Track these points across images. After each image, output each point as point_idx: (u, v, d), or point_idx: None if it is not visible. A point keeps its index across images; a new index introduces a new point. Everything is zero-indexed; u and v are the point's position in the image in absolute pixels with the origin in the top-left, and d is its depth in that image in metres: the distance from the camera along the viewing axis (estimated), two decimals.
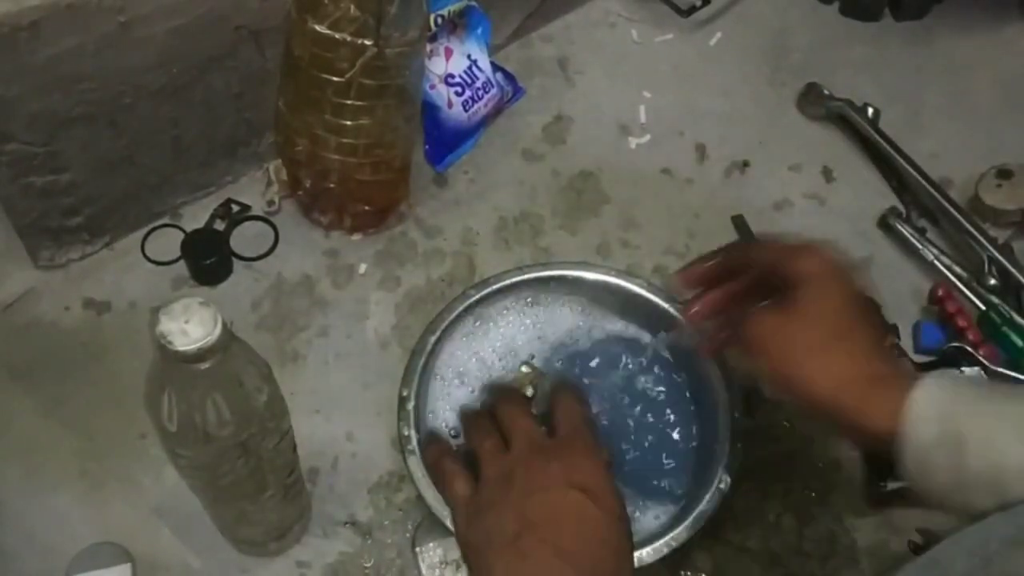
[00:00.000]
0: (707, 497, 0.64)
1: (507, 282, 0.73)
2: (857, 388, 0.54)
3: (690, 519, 0.64)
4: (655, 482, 0.68)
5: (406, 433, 0.66)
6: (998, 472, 0.46)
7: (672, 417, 0.70)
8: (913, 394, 0.51)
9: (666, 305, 0.73)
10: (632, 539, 0.56)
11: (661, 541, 0.63)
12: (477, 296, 0.72)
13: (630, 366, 0.71)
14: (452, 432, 0.70)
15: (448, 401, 0.71)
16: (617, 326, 0.75)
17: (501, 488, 0.56)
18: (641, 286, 0.74)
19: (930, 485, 0.50)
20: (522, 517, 0.53)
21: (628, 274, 0.75)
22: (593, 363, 0.72)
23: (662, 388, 0.71)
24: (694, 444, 0.70)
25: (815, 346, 0.55)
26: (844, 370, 0.54)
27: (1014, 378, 0.77)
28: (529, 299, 0.75)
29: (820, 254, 0.58)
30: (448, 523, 0.62)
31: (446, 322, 0.71)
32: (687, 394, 0.72)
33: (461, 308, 0.72)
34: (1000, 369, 0.77)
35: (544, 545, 0.52)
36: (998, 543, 0.38)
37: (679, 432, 0.70)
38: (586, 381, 0.71)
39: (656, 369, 0.72)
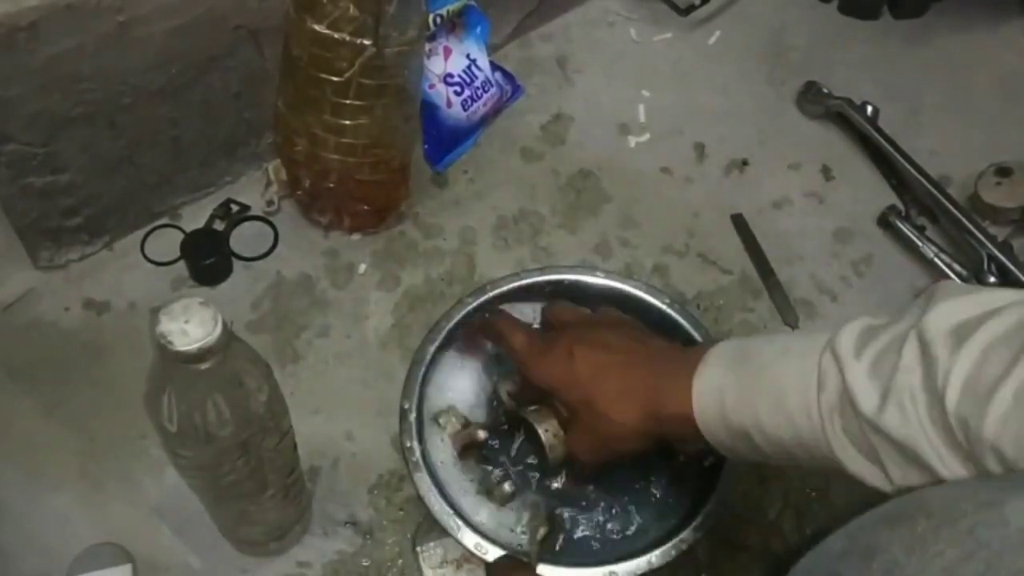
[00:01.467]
0: (712, 499, 0.65)
1: (504, 288, 0.73)
2: (648, 395, 0.58)
3: (696, 521, 0.64)
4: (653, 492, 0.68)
5: (408, 445, 0.66)
6: (786, 447, 0.53)
7: None
8: (694, 396, 0.56)
9: (666, 307, 0.73)
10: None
11: (669, 544, 0.63)
12: (475, 303, 0.72)
13: None
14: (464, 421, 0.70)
15: (449, 411, 0.71)
16: None
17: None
18: (640, 289, 0.74)
19: (747, 460, 0.57)
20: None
21: (626, 277, 0.75)
22: None
23: None
24: None
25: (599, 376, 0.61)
26: (628, 384, 0.60)
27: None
28: (528, 304, 0.75)
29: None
30: (448, 524, 0.62)
31: (444, 331, 0.71)
32: None
33: (460, 315, 0.72)
34: None
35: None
36: (870, 522, 0.42)
37: None
38: None
39: None
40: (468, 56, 0.91)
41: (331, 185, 0.82)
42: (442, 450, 0.69)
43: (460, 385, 0.72)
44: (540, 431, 0.63)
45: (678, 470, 0.68)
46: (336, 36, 0.71)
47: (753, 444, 0.54)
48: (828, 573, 0.42)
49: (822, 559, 0.43)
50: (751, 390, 0.53)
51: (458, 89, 0.90)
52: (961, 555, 0.36)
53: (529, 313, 0.75)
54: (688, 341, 0.71)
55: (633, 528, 0.67)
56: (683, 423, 0.57)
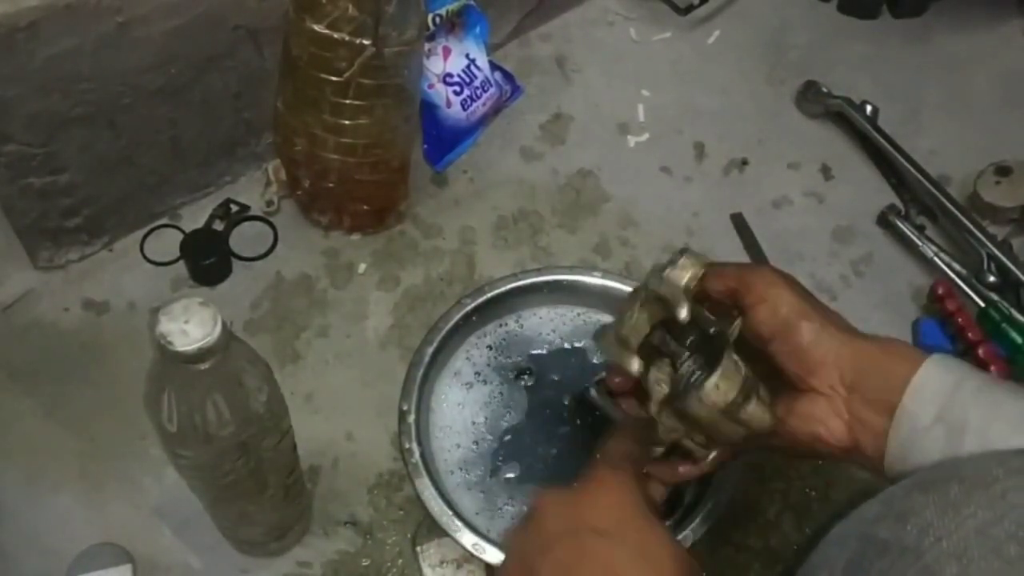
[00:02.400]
0: (711, 499, 0.65)
1: (502, 289, 0.73)
2: (865, 348, 0.52)
3: (696, 521, 0.64)
4: None
5: (408, 446, 0.66)
6: None
7: None
8: (922, 368, 0.50)
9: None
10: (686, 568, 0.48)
11: None
12: (473, 304, 0.72)
13: None
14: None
15: (449, 412, 0.71)
16: None
17: (514, 546, 0.50)
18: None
19: (913, 461, 0.50)
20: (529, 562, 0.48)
21: (625, 277, 0.75)
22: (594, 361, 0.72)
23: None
24: None
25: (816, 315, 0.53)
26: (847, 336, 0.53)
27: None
28: (526, 304, 0.75)
29: (769, 268, 0.56)
30: (447, 524, 0.62)
31: (443, 332, 0.71)
32: None
33: (458, 316, 0.72)
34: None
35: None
36: (902, 489, 0.43)
37: None
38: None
39: None
40: (467, 56, 0.91)
41: (331, 185, 0.82)
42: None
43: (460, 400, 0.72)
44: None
45: None
46: (335, 36, 0.71)
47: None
48: (862, 535, 0.43)
49: (856, 524, 0.44)
50: (994, 395, 0.49)
51: (457, 89, 0.90)
52: (993, 517, 0.38)
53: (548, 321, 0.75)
54: None
55: None
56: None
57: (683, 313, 0.52)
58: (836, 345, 0.52)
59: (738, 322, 0.54)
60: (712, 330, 0.54)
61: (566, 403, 0.71)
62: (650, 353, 0.56)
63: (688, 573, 0.47)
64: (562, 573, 0.46)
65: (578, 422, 0.70)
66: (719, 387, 0.51)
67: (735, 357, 0.52)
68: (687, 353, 0.56)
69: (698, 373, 0.55)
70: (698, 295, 0.54)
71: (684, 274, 0.54)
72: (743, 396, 0.52)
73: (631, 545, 0.47)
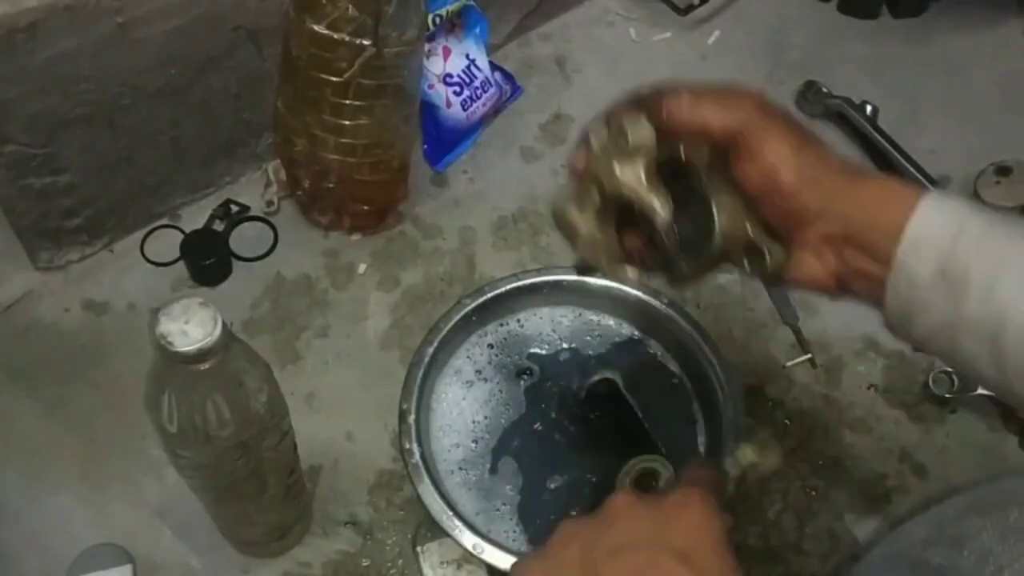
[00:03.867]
0: None
1: (502, 289, 0.73)
2: (856, 195, 0.47)
3: None
4: None
5: (407, 447, 0.66)
6: (999, 321, 0.43)
7: (676, 421, 0.71)
8: (916, 214, 0.45)
9: (664, 307, 0.73)
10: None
11: None
12: (473, 304, 0.72)
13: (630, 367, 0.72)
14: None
15: (449, 412, 0.71)
16: (615, 328, 0.75)
17: (580, 537, 0.47)
18: (638, 289, 0.74)
19: (916, 320, 0.46)
20: None
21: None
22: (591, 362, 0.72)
23: (664, 390, 0.72)
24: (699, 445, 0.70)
25: (798, 147, 0.48)
26: (834, 167, 0.48)
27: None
28: (526, 304, 0.75)
29: (754, 100, 0.49)
30: (447, 524, 0.62)
31: (443, 332, 0.71)
32: (690, 395, 0.72)
33: (458, 317, 0.72)
34: None
35: None
36: (953, 512, 0.41)
37: (682, 434, 0.70)
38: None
39: (659, 371, 0.72)
40: (467, 56, 0.91)
41: (331, 185, 0.82)
42: None
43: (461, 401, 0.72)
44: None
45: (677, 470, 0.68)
46: (335, 36, 0.71)
47: (958, 310, 0.43)
48: (913, 560, 0.41)
49: (904, 546, 0.42)
50: (1001, 242, 0.43)
51: (457, 89, 0.90)
52: None
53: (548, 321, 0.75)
54: (688, 343, 0.71)
55: None
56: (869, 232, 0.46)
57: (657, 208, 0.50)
58: (825, 196, 0.48)
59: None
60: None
61: (569, 400, 0.71)
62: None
63: None
64: None
65: (580, 420, 0.70)
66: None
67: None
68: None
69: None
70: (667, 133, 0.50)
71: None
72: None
73: (704, 573, 0.44)
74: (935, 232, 0.44)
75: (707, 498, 0.47)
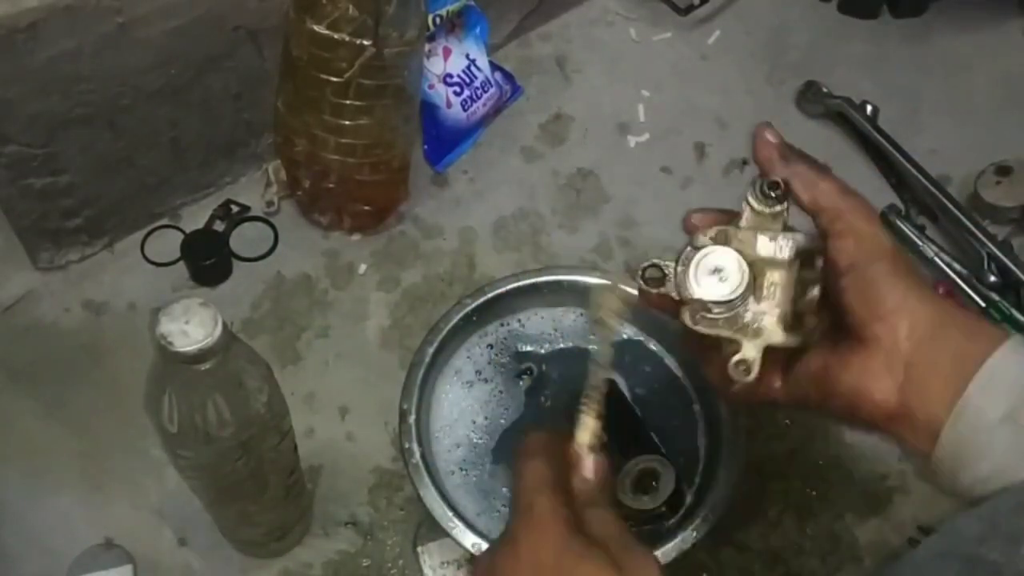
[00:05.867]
0: (712, 499, 0.65)
1: (503, 289, 0.73)
2: (949, 314, 0.46)
3: (697, 521, 0.64)
4: None
5: (408, 446, 0.66)
6: None
7: (676, 421, 0.71)
8: (999, 353, 0.44)
9: None
10: None
11: (670, 544, 0.63)
12: (474, 304, 0.72)
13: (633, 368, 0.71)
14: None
15: (450, 412, 0.71)
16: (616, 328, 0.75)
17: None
18: (639, 288, 0.73)
19: (969, 458, 0.44)
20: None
21: (625, 277, 0.75)
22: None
23: (664, 390, 0.72)
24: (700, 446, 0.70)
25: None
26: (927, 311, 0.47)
27: None
28: (527, 304, 0.75)
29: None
30: (447, 524, 0.62)
31: (443, 332, 0.71)
32: (690, 395, 0.72)
33: (458, 317, 0.72)
34: None
35: None
36: (1007, 508, 0.40)
37: (682, 433, 0.70)
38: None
39: (659, 371, 0.72)
40: (467, 56, 0.91)
41: (331, 185, 0.82)
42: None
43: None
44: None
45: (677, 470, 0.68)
46: (336, 36, 0.71)
47: None
48: (967, 556, 0.40)
49: (956, 542, 0.41)
50: None
51: (457, 89, 0.90)
52: None
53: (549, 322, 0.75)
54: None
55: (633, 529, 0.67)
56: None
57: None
58: (914, 298, 0.46)
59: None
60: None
61: (569, 400, 0.71)
62: None
63: None
64: None
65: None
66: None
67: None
68: None
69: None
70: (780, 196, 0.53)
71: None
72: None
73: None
74: (1013, 375, 0.44)
75: (541, 501, 0.45)
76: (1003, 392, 0.43)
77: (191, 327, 0.48)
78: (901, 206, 0.92)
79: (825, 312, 0.50)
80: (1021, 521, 0.39)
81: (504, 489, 0.68)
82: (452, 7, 0.87)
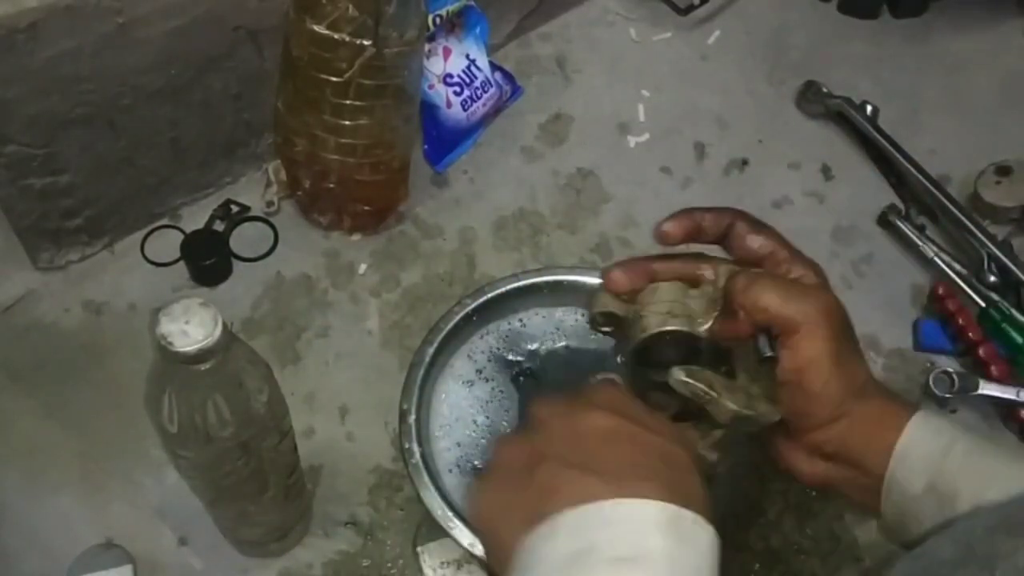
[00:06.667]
0: (711, 498, 0.64)
1: (503, 289, 0.73)
2: (858, 416, 0.53)
3: None
4: None
5: (408, 446, 0.66)
6: None
7: None
8: (905, 438, 0.51)
9: None
10: (697, 469, 0.47)
11: None
12: (474, 304, 0.72)
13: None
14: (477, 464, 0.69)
15: (450, 412, 0.71)
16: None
17: (515, 441, 0.50)
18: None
19: (909, 527, 0.52)
20: (535, 451, 0.47)
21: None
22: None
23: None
24: None
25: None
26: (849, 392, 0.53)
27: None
28: (527, 304, 0.75)
29: (819, 300, 0.53)
30: (447, 524, 0.62)
31: (443, 332, 0.71)
32: None
33: (458, 317, 0.72)
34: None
35: (567, 468, 0.45)
36: (982, 530, 0.41)
37: None
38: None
39: None
40: (467, 56, 0.91)
41: (331, 185, 0.82)
42: None
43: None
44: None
45: None
46: (336, 37, 0.71)
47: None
48: None
49: (930, 565, 0.42)
50: (984, 460, 0.50)
51: (457, 89, 0.90)
52: None
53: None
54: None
55: None
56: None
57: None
58: (835, 414, 0.53)
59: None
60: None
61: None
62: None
63: (683, 448, 0.48)
64: (567, 436, 0.47)
65: None
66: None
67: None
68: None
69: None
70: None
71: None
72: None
73: (636, 419, 0.48)
74: (925, 449, 0.51)
75: (607, 384, 0.52)
76: (919, 467, 0.50)
77: (191, 327, 0.48)
78: (901, 206, 0.92)
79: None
80: (996, 545, 0.39)
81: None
82: (452, 7, 0.87)
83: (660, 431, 0.48)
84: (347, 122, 0.77)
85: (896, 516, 0.52)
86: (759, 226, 0.57)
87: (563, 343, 0.74)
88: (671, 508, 0.42)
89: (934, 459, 0.50)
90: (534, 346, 0.74)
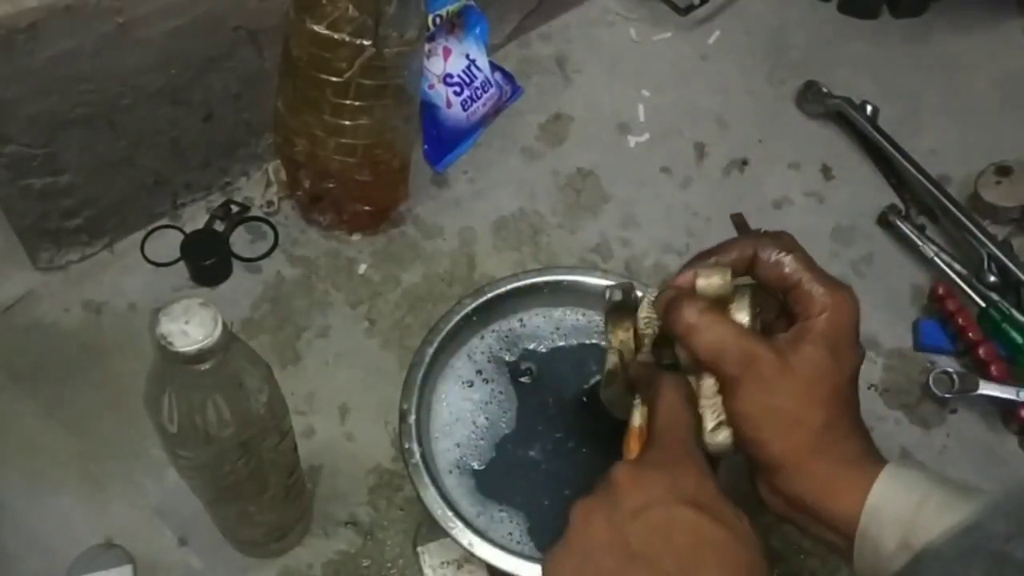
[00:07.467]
0: None
1: (503, 289, 0.73)
2: (809, 473, 0.52)
3: None
4: None
5: (407, 446, 0.66)
6: None
7: None
8: (876, 495, 0.50)
9: None
10: (766, 564, 0.48)
11: None
12: (474, 304, 0.72)
13: None
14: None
15: (450, 413, 0.71)
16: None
17: (598, 510, 0.48)
18: (640, 288, 0.73)
19: None
20: (622, 540, 0.46)
21: (624, 276, 0.75)
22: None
23: None
24: None
25: (798, 406, 0.52)
26: (814, 442, 0.52)
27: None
28: (527, 305, 0.75)
29: (846, 306, 0.53)
30: (447, 524, 0.62)
31: (443, 332, 0.71)
32: None
33: (458, 317, 0.72)
34: None
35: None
36: None
37: None
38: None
39: None
40: (467, 56, 0.91)
41: (331, 186, 0.82)
42: None
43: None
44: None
45: None
46: (336, 37, 0.71)
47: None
48: (995, 554, 0.40)
49: (981, 540, 0.41)
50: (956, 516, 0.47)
51: (457, 89, 0.90)
52: None
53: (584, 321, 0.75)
54: None
55: None
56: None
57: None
58: (773, 459, 0.53)
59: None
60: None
61: (570, 400, 0.71)
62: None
63: (762, 556, 0.48)
64: (657, 539, 0.46)
65: (581, 420, 0.70)
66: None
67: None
68: None
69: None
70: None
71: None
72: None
73: (724, 522, 0.47)
74: (897, 505, 0.49)
75: (691, 451, 0.51)
76: (892, 523, 0.49)
77: (191, 327, 0.48)
78: (901, 206, 0.92)
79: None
80: None
81: (508, 487, 0.68)
82: (452, 7, 0.87)
83: (744, 536, 0.48)
84: (347, 122, 0.77)
85: (870, 572, 0.51)
86: (780, 249, 0.55)
87: (563, 343, 0.74)
88: None
89: (907, 516, 0.49)
90: (534, 346, 0.74)
